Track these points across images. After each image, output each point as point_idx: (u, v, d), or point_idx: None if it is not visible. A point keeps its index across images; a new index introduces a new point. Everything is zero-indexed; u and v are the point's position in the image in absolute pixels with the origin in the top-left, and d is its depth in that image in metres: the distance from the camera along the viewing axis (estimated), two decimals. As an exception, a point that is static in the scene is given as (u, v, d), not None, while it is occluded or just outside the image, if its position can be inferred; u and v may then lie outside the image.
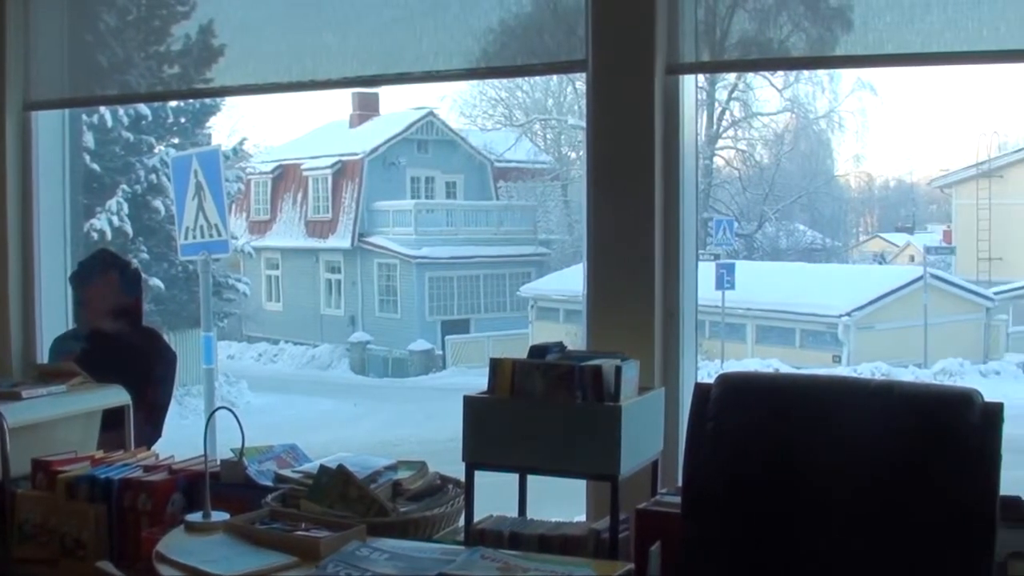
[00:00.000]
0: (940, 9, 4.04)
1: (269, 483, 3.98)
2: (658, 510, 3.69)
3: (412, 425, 15.97)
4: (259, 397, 19.40)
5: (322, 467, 3.85)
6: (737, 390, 3.46)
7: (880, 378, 4.07)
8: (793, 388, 3.54)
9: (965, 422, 3.22)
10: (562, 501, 4.40)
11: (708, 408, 3.41)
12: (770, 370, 12.92)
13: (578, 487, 4.19)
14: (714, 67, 5.75)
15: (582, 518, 4.13)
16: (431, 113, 23.99)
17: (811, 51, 4.50)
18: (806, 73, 17.12)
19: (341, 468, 3.80)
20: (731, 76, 17.11)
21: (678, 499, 3.49)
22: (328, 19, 4.85)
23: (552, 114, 22.50)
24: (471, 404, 3.74)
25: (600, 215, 4.29)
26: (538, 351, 3.82)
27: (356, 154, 23.88)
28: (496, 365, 3.75)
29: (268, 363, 24.03)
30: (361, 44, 4.79)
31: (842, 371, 14.06)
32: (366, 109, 25.17)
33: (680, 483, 3.51)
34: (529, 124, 23.08)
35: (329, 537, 3.35)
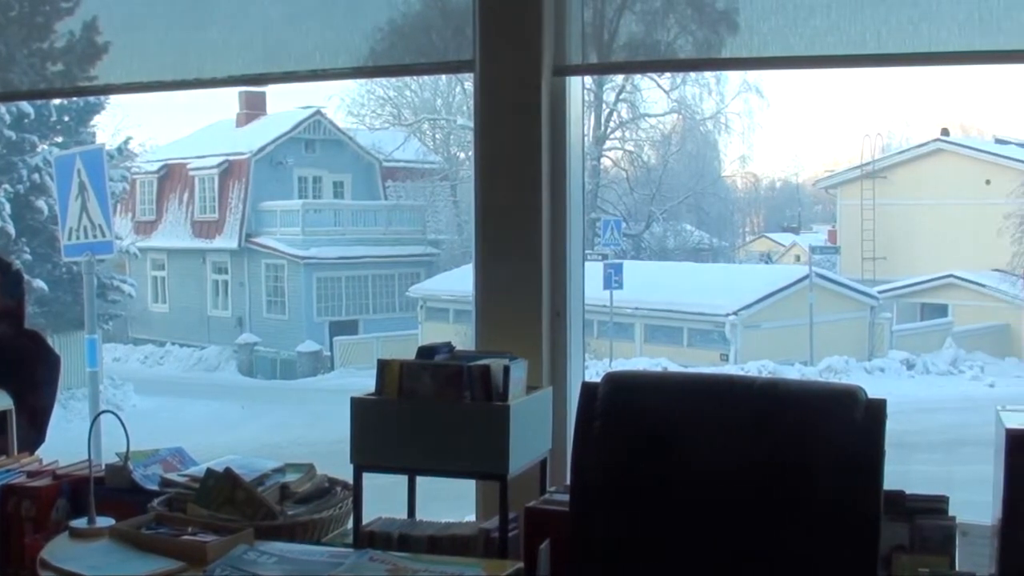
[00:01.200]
0: (824, 13, 4.10)
1: (155, 487, 3.92)
2: (547, 508, 3.70)
3: (300, 427, 15.87)
4: (145, 400, 19.13)
5: (209, 470, 3.80)
6: (624, 389, 3.48)
7: (765, 376, 4.13)
8: (679, 386, 3.58)
9: (849, 418, 3.27)
10: (451, 502, 4.39)
11: (595, 407, 3.43)
12: (658, 369, 13.04)
13: (467, 487, 4.19)
14: (601, 69, 5.79)
15: (472, 518, 4.12)
16: (318, 112, 23.81)
17: (698, 53, 4.55)
18: (693, 75, 17.26)
19: (228, 471, 3.75)
20: (619, 78, 17.21)
21: (567, 497, 3.51)
22: (213, 16, 4.79)
23: (441, 114, 22.46)
24: (358, 405, 3.72)
25: (488, 215, 4.30)
26: (426, 352, 3.81)
27: (243, 154, 23.63)
28: (383, 366, 3.74)
29: (154, 365, 23.69)
30: (247, 42, 4.74)
31: (729, 369, 14.20)
32: (253, 108, 24.90)
33: (568, 481, 3.53)
34: (418, 124, 23.01)
35: (216, 541, 3.31)
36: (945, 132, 18.12)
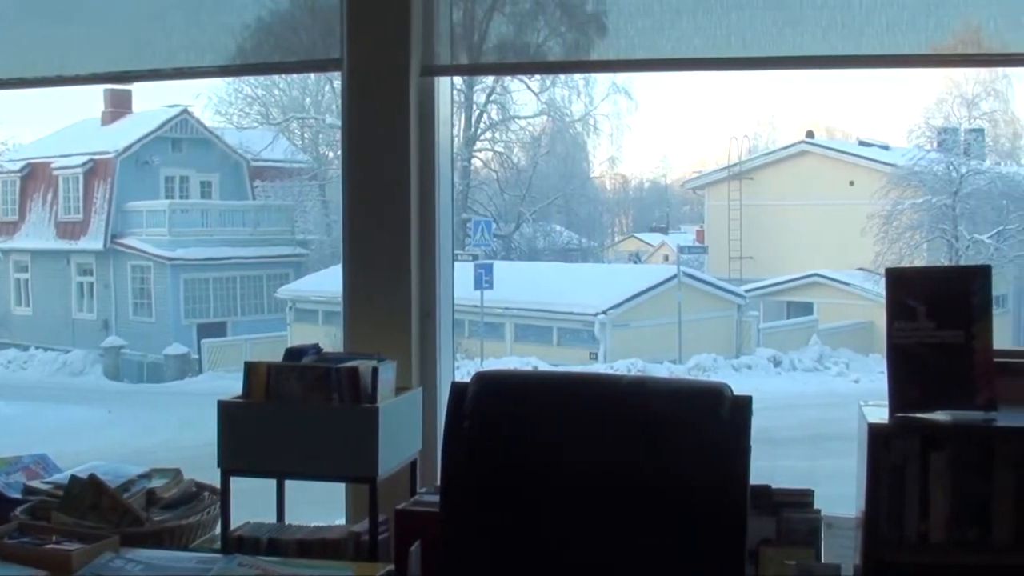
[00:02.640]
0: (690, 16, 4.15)
1: (18, 495, 3.85)
2: (417, 510, 3.70)
3: (167, 431, 15.61)
4: (8, 406, 18.65)
5: (73, 477, 3.73)
6: (493, 388, 3.48)
7: (633, 374, 4.16)
8: (548, 385, 3.59)
9: (715, 415, 3.31)
10: (321, 505, 4.37)
11: (464, 406, 3.43)
12: (528, 368, 13.07)
13: (337, 490, 4.17)
14: (470, 70, 5.80)
15: (342, 521, 4.10)
16: (185, 111, 23.44)
17: (567, 55, 4.58)
18: (563, 77, 17.32)
19: (93, 478, 3.69)
20: (489, 79, 17.23)
21: (437, 498, 3.51)
22: (76, 12, 4.70)
23: (310, 113, 22.26)
24: (226, 409, 3.68)
25: (356, 216, 4.28)
26: (294, 354, 3.79)
27: (108, 153, 23.16)
28: (251, 369, 3.71)
29: (17, 370, 23.13)
30: (111, 39, 4.66)
31: (599, 368, 14.28)
32: (118, 106, 24.43)
33: (439, 482, 3.52)
34: (286, 123, 22.77)
35: (81, 550, 3.25)
36: (810, 134, 18.43)
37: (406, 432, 3.86)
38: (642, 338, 15.55)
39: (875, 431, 3.28)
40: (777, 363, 15.97)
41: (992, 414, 3.31)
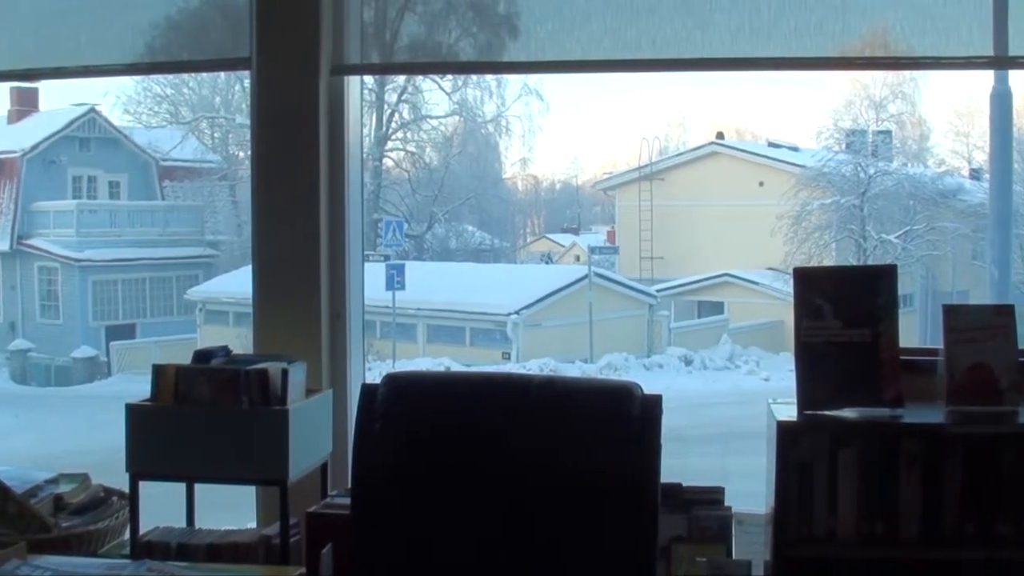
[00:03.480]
0: (600, 18, 4.17)
1: (-80, 503, 3.76)
2: (328, 512, 3.68)
3: (76, 435, 15.38)
4: (-89, 412, 18.32)
5: (-23, 483, 3.67)
6: (404, 390, 3.48)
7: (544, 374, 4.18)
8: (459, 386, 3.59)
9: (625, 414, 3.33)
10: (232, 508, 4.33)
11: (375, 408, 3.42)
12: (440, 368, 13.06)
13: (247, 493, 4.13)
14: (381, 69, 5.78)
15: (253, 525, 4.07)
16: (93, 110, 23.13)
17: (479, 56, 4.58)
18: (475, 77, 17.34)
19: (-3, 483, 3.63)
20: (400, 78, 17.20)
21: (349, 500, 3.49)
22: (-21, 9, 4.62)
23: (220, 112, 22.06)
24: (134, 412, 3.64)
25: (265, 216, 4.25)
26: (203, 356, 3.75)
27: (14, 152, 22.81)
28: (159, 371, 3.68)
29: (-77, 375, 22.73)
30: (16, 36, 4.59)
31: (511, 368, 14.31)
32: (25, 105, 24.06)
33: (350, 484, 3.51)
34: (196, 122, 22.55)
35: (-16, 557, 3.18)
36: (720, 136, 18.61)
37: (316, 434, 3.84)
38: (554, 338, 15.60)
39: (784, 428, 3.32)
40: (688, 362, 16.10)
41: (898, 411, 3.36)
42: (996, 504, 3.34)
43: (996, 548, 3.36)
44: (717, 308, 17.52)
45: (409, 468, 3.39)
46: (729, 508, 3.78)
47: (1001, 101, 7.70)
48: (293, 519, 3.65)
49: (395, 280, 14.97)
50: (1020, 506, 3.34)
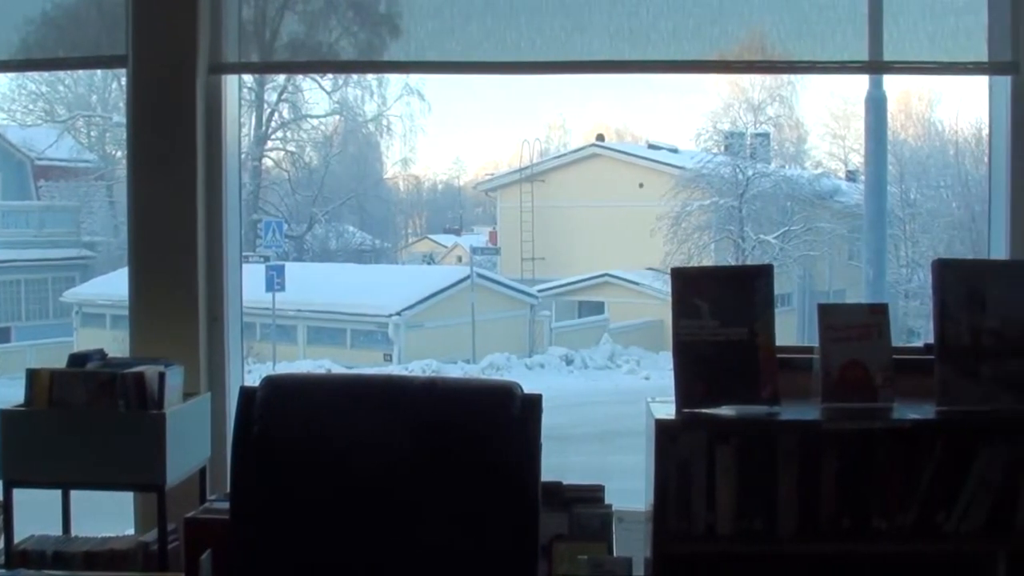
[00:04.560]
0: (480, 19, 4.18)
1: None
2: (207, 517, 3.65)
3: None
4: None
5: None
6: (282, 392, 3.45)
7: (424, 375, 4.17)
8: (339, 388, 3.57)
9: (506, 414, 3.34)
10: (110, 515, 4.26)
11: (253, 411, 3.39)
12: (321, 370, 12.97)
13: (125, 499, 4.08)
14: (260, 68, 5.74)
15: (131, 531, 4.02)
16: (-36, 108, 22.62)
17: (360, 55, 4.57)
18: (355, 77, 17.21)
19: None
20: (281, 77, 17.02)
21: (227, 505, 3.46)
22: None
23: (96, 111, 21.67)
24: (7, 417, 3.59)
25: (141, 217, 4.20)
26: (78, 359, 3.70)
27: None
28: (32, 375, 3.62)
29: None
30: None
31: (393, 369, 14.26)
32: None
33: (229, 489, 3.47)
34: (72, 120, 22.13)
35: None
36: (600, 137, 18.71)
37: (194, 439, 3.80)
38: (436, 339, 15.57)
39: (662, 427, 3.35)
40: (569, 361, 16.16)
41: (775, 408, 3.41)
42: (871, 499, 3.41)
43: (872, 542, 3.43)
44: (598, 308, 17.62)
45: (288, 472, 3.36)
46: (610, 506, 3.81)
47: (876, 105, 7.83)
48: (171, 525, 3.61)
49: (275, 281, 14.80)
50: (894, 500, 3.41)
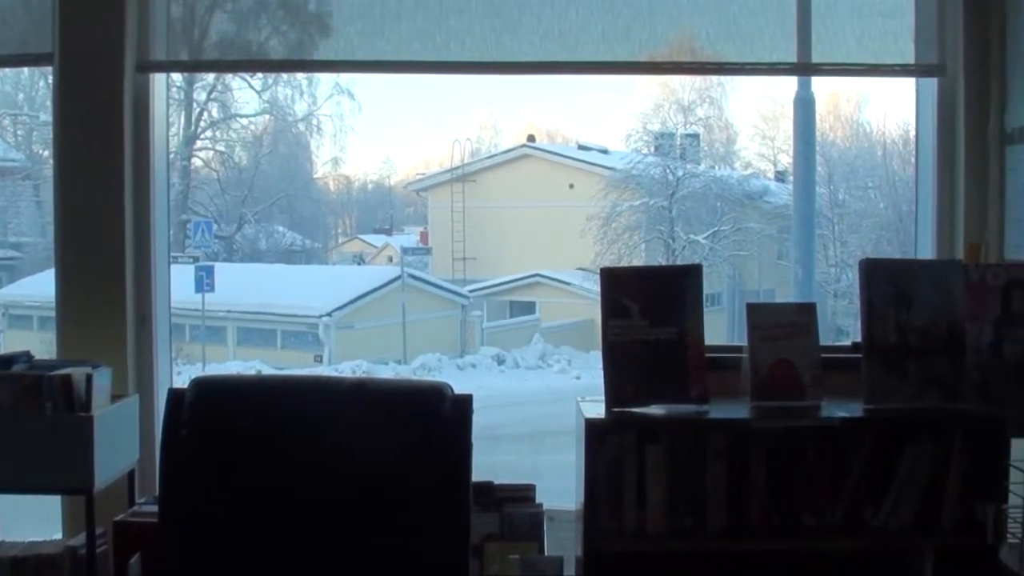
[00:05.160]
0: (410, 19, 4.19)
1: None
2: (136, 521, 3.63)
3: None
4: None
5: None
6: (211, 394, 3.43)
7: (354, 376, 4.17)
8: (268, 389, 3.56)
9: (435, 414, 3.35)
10: (37, 519, 4.21)
11: (182, 413, 3.37)
12: (252, 372, 12.89)
13: (53, 503, 4.03)
14: (189, 66, 5.70)
15: (59, 536, 3.97)
16: None
17: (289, 54, 4.55)
18: (285, 76, 17.10)
19: None
20: (210, 76, 16.88)
21: (157, 508, 3.44)
22: None
23: (23, 109, 21.40)
24: (-70, 421, 3.52)
25: (68, 217, 4.15)
26: (3, 362, 3.65)
27: None
28: (-43, 378, 3.55)
29: None
30: None
31: (324, 370, 14.20)
32: None
33: (158, 492, 3.44)
34: (-2, 119, 21.84)
35: None
36: (531, 138, 18.74)
37: (123, 441, 3.76)
38: (367, 339, 15.52)
39: (592, 426, 3.37)
40: (501, 361, 16.18)
41: (704, 407, 3.44)
42: (800, 496, 3.45)
43: (800, 539, 3.47)
44: (529, 308, 17.65)
45: (218, 474, 3.34)
46: (541, 505, 3.82)
47: (804, 106, 7.90)
48: (100, 528, 3.58)
49: (204, 282, 14.68)
50: (823, 498, 3.45)
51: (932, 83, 4.30)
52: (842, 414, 3.46)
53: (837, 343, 5.62)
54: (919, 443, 3.46)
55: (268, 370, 13.38)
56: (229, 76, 16.60)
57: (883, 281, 3.51)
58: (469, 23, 4.23)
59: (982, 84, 4.16)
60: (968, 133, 4.19)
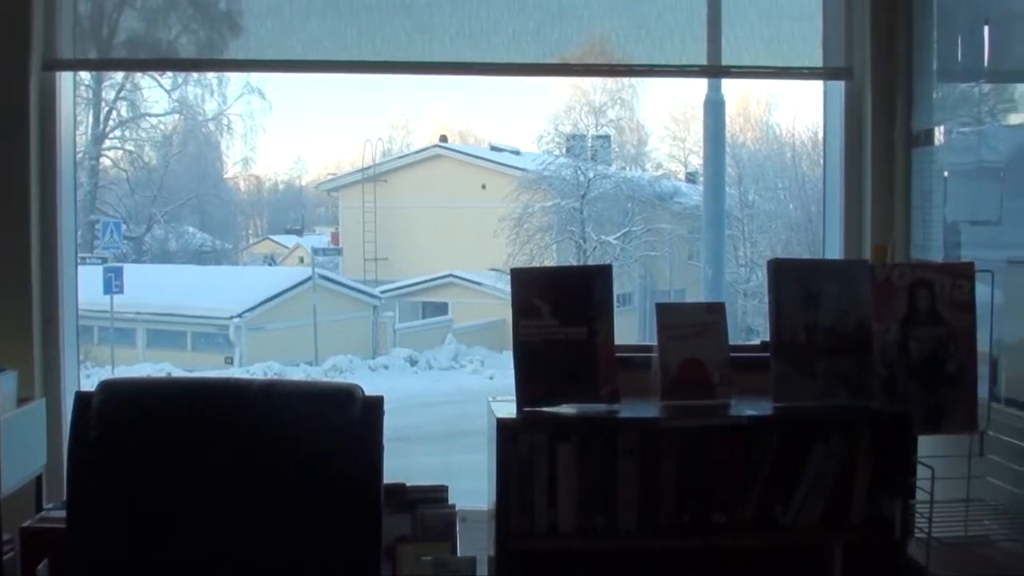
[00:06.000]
0: (320, 18, 4.17)
1: None
2: (44, 527, 3.59)
3: None
4: None
5: None
6: (119, 397, 3.40)
7: (264, 378, 4.15)
8: (177, 391, 3.53)
9: (346, 416, 3.34)
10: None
11: (90, 417, 3.33)
12: (162, 374, 12.74)
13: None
14: (97, 65, 5.63)
15: (-38, 542, 3.90)
16: None
17: (200, 53, 4.51)
18: (195, 75, 16.91)
19: None
20: (119, 75, 16.66)
21: (65, 513, 3.39)
22: None
23: (-76, 110, 21.00)
24: None
25: (-28, 218, 4.08)
26: (-96, 365, 3.58)
27: None
28: None
29: None
30: None
31: (234, 372, 14.07)
32: None
33: (66, 497, 3.39)
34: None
35: None
36: (444, 139, 18.71)
37: (29, 446, 3.71)
38: (278, 341, 15.42)
39: (503, 425, 3.38)
40: (413, 362, 16.14)
41: (615, 406, 3.46)
42: (710, 494, 3.49)
43: (711, 536, 3.51)
44: (441, 308, 17.63)
45: (128, 478, 3.31)
46: (453, 506, 3.83)
47: (714, 108, 7.99)
48: (6, 535, 3.54)
49: (113, 283, 14.47)
50: (733, 495, 3.48)
51: (840, 86, 4.37)
52: (751, 412, 3.49)
53: (747, 342, 5.67)
54: (827, 441, 3.51)
55: (178, 372, 13.23)
56: (138, 75, 16.39)
57: (791, 281, 3.55)
58: (380, 22, 4.22)
59: (888, 88, 4.23)
60: (875, 135, 4.26)
